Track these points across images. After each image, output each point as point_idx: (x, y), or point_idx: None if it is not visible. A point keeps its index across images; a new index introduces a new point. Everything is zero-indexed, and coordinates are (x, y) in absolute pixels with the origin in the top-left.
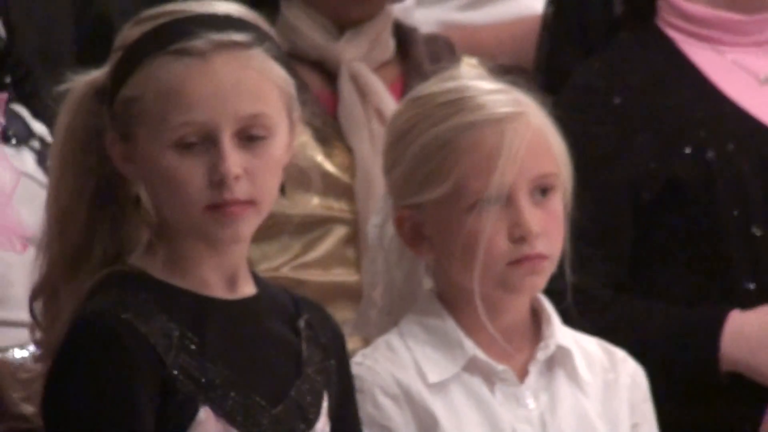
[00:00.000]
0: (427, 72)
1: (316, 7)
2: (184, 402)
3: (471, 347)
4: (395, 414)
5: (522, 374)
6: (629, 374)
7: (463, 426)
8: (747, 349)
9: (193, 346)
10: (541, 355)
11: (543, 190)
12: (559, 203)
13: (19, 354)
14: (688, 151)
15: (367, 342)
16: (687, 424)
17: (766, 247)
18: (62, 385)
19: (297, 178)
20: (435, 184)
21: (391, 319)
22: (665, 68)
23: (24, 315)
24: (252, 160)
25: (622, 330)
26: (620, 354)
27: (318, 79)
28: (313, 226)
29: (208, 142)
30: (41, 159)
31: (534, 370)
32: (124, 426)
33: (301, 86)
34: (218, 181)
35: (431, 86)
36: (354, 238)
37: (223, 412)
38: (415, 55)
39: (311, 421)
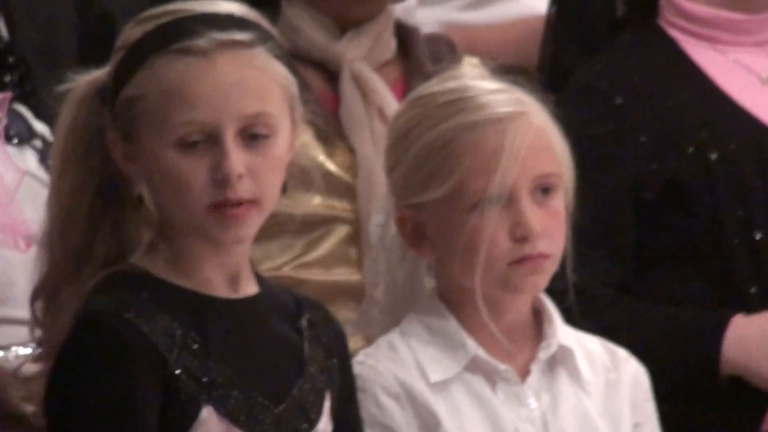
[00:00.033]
0: (429, 72)
1: (317, 7)
2: (186, 401)
3: (473, 347)
4: (397, 413)
5: (524, 374)
6: (631, 373)
7: (465, 425)
8: (748, 353)
9: (195, 346)
10: (543, 354)
11: (544, 189)
12: (561, 203)
13: (21, 352)
14: (689, 151)
15: (368, 341)
16: (687, 425)
17: None
18: (65, 384)
19: (299, 177)
20: (436, 183)
21: (392, 318)
22: (667, 68)
23: (26, 313)
24: (255, 159)
25: (624, 330)
26: (622, 353)
27: (319, 78)
28: (314, 225)
29: (210, 141)
30: (43, 158)
31: (536, 369)
32: (127, 426)
33: (303, 86)
34: (221, 179)
35: (433, 86)
36: (356, 237)
37: (225, 412)
38: (416, 55)
39: (313, 421)
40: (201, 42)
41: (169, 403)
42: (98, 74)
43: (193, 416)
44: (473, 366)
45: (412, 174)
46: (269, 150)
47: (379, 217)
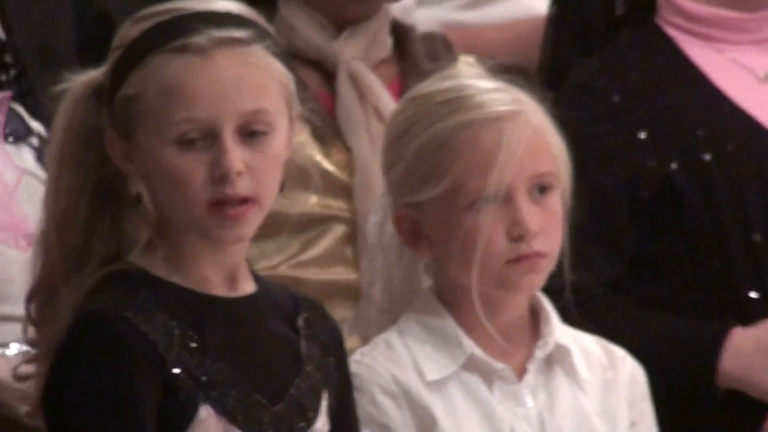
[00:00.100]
0: (425, 70)
1: (313, 6)
2: (185, 400)
3: (470, 345)
4: (394, 412)
5: (521, 372)
6: (628, 372)
7: (462, 424)
8: (745, 367)
9: (193, 344)
10: (540, 353)
11: (541, 188)
12: (558, 202)
13: (21, 349)
14: (686, 150)
15: (365, 340)
16: (685, 428)
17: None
18: (63, 384)
19: (295, 176)
20: (433, 182)
21: (389, 317)
22: (665, 67)
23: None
24: (253, 156)
25: (624, 336)
26: (619, 352)
27: (316, 78)
28: (311, 224)
29: (209, 138)
30: (40, 156)
31: (532, 368)
32: (126, 425)
33: (300, 84)
34: (220, 176)
35: (430, 85)
36: (352, 236)
37: (223, 411)
38: (412, 54)
39: (311, 419)
40: (199, 39)
41: (167, 402)
42: (95, 74)
43: (191, 415)
44: (470, 365)
45: (409, 173)
46: (267, 147)
47: (377, 216)
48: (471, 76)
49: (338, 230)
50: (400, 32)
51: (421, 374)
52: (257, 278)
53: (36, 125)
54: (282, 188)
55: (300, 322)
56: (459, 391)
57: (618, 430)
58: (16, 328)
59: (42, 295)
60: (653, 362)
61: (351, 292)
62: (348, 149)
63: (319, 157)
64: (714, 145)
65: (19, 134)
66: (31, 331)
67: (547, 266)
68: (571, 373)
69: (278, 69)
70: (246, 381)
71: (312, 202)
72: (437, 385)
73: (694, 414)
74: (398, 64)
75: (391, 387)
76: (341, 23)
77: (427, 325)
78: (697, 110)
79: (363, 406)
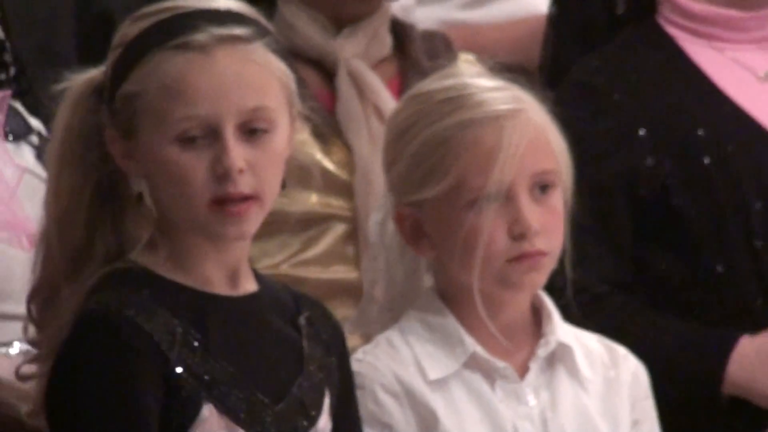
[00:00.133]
0: (425, 68)
1: (313, 5)
2: (187, 399)
3: (471, 344)
4: (396, 411)
5: (522, 371)
6: (630, 371)
7: (464, 423)
8: (751, 375)
9: (196, 343)
10: (542, 351)
11: (543, 186)
12: (559, 200)
13: (23, 348)
14: (685, 151)
15: (367, 339)
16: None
17: None
18: (66, 383)
19: (296, 175)
20: (435, 181)
21: (391, 316)
22: (665, 66)
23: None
24: (255, 154)
25: (629, 337)
26: (621, 351)
27: (316, 76)
28: (312, 223)
29: (210, 136)
30: (40, 154)
31: (534, 366)
32: (129, 424)
33: (300, 83)
34: (222, 174)
35: (431, 83)
36: (353, 235)
37: (226, 410)
38: (412, 52)
39: (313, 418)
40: (199, 37)
41: (169, 401)
42: (95, 73)
43: (193, 414)
44: (472, 363)
45: (410, 171)
46: (269, 144)
47: (378, 214)
48: (472, 75)
49: (339, 229)
50: (400, 30)
51: (423, 373)
52: (259, 277)
53: (36, 123)
54: (283, 186)
55: (302, 321)
56: (461, 389)
57: (620, 429)
58: (19, 327)
59: (43, 295)
60: (659, 366)
61: (352, 291)
62: (348, 148)
63: (319, 155)
64: (713, 146)
65: (19, 132)
66: (32, 331)
67: (548, 265)
68: (574, 372)
69: (279, 66)
70: (248, 380)
71: (312, 200)
72: (439, 384)
73: (696, 418)
74: (398, 63)
75: (393, 386)
76: (341, 22)
77: (428, 324)
78: (697, 110)
79: (365, 405)
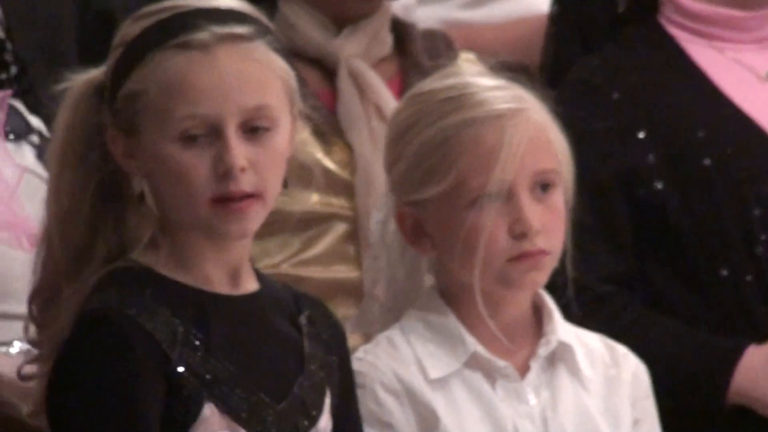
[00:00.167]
0: (426, 68)
1: (314, 4)
2: (188, 399)
3: (472, 343)
4: (396, 410)
5: (523, 370)
6: (631, 370)
7: (464, 422)
8: (755, 384)
9: (197, 342)
10: (543, 351)
11: (544, 186)
12: (560, 199)
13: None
14: (685, 152)
15: (367, 338)
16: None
17: None
18: (67, 382)
19: (297, 174)
20: (436, 180)
21: (393, 315)
22: (665, 66)
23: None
24: (257, 152)
25: (634, 340)
26: (622, 350)
27: (316, 76)
28: (312, 223)
29: (212, 134)
30: (40, 153)
31: (535, 366)
32: (130, 423)
33: (300, 82)
34: (224, 173)
35: (432, 83)
36: (354, 234)
37: (227, 409)
38: (413, 51)
39: (314, 418)
40: (201, 36)
41: (171, 401)
42: (95, 73)
43: (195, 413)
44: (473, 362)
45: (411, 171)
46: (270, 143)
47: (380, 214)
48: (473, 74)
49: (340, 228)
50: (401, 30)
51: (423, 372)
52: (260, 276)
53: (36, 122)
54: (285, 185)
55: (302, 320)
56: (461, 388)
57: (621, 428)
58: (20, 327)
59: (45, 295)
60: (663, 372)
61: (352, 290)
62: (349, 147)
63: (320, 155)
64: (714, 148)
65: (20, 132)
66: (33, 331)
67: (549, 264)
68: (574, 371)
69: (280, 65)
70: (249, 379)
71: (313, 200)
72: (440, 383)
73: (699, 424)
74: (399, 62)
75: (393, 384)
76: (342, 21)
77: (429, 323)
78: (698, 111)
79: (366, 404)
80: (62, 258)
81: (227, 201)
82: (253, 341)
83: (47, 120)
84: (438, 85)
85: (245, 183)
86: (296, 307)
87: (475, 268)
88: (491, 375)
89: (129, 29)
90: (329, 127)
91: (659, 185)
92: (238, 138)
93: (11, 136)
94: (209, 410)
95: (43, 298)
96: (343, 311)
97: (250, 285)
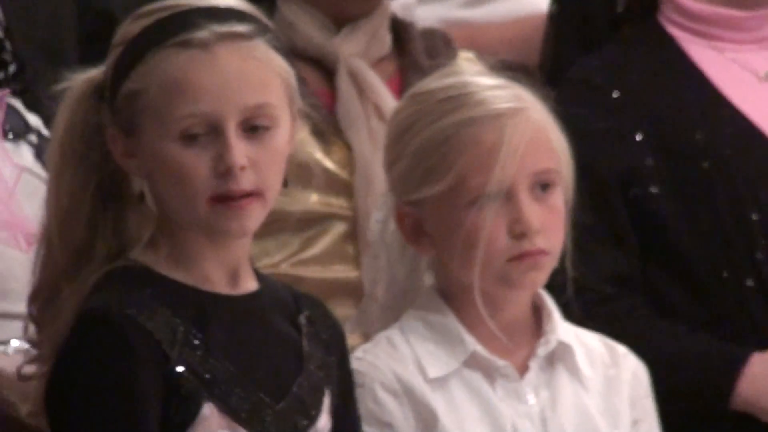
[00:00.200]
0: (425, 67)
1: (313, 4)
2: (188, 398)
3: (472, 343)
4: (395, 409)
5: (523, 370)
6: (630, 370)
7: (463, 421)
8: (759, 391)
9: (197, 342)
10: (542, 350)
11: (543, 185)
12: (560, 199)
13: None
14: (683, 153)
15: (367, 338)
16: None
17: None
18: (67, 381)
19: (296, 174)
20: (435, 180)
21: (392, 314)
22: (665, 66)
23: (25, 307)
24: (257, 151)
25: (636, 345)
26: (621, 349)
27: (315, 75)
28: (312, 222)
29: (212, 133)
30: (39, 152)
31: (535, 365)
32: (129, 422)
33: (300, 81)
34: (224, 171)
35: (432, 82)
36: (353, 234)
37: (227, 409)
38: (412, 51)
39: (313, 418)
40: (201, 34)
41: (170, 400)
42: (94, 72)
43: (194, 413)
44: (472, 362)
45: (411, 170)
46: (270, 141)
47: (380, 213)
48: (472, 73)
49: (339, 228)
50: (400, 29)
51: (423, 371)
52: (259, 276)
53: (34, 121)
54: (285, 185)
55: (302, 320)
56: (461, 388)
57: (620, 428)
58: (17, 326)
59: (44, 295)
60: (666, 377)
61: (352, 290)
62: (348, 147)
63: (319, 154)
64: (712, 149)
65: (18, 131)
66: (32, 331)
67: (549, 263)
68: (574, 371)
69: (280, 63)
70: (249, 379)
71: (313, 200)
72: (439, 383)
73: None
74: (398, 61)
75: (392, 384)
76: (341, 20)
77: (429, 323)
78: (696, 112)
79: (365, 404)
80: (62, 258)
81: (227, 200)
82: (253, 341)
83: (46, 119)
84: (438, 84)
85: (245, 182)
86: (296, 307)
87: (474, 268)
88: (490, 374)
89: (129, 28)
90: (328, 127)
91: (654, 189)
92: (238, 137)
93: (10, 136)
94: (209, 410)
95: (43, 298)
96: (342, 311)
97: (249, 285)
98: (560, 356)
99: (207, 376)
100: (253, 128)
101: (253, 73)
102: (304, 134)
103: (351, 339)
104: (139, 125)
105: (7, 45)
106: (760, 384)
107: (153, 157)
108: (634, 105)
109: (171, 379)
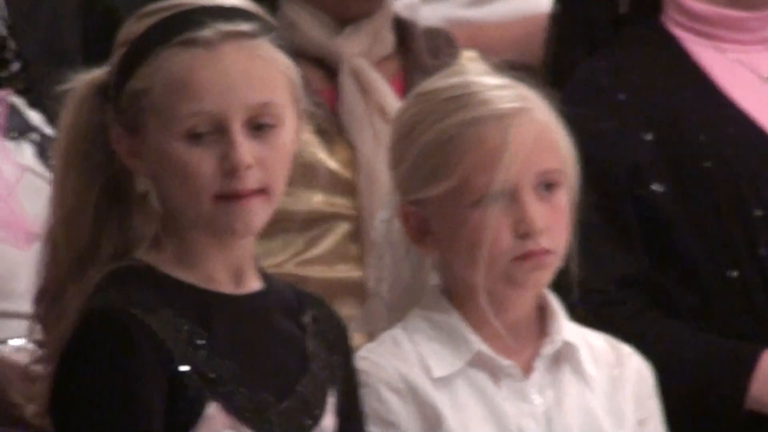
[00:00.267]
0: (428, 66)
1: (315, 3)
2: (192, 398)
3: (476, 342)
4: (400, 409)
5: (527, 370)
6: (635, 369)
7: (468, 421)
8: None
9: (201, 341)
10: (547, 350)
11: (548, 185)
12: (564, 198)
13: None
14: (686, 153)
15: (371, 338)
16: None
17: None
18: (71, 380)
19: (300, 174)
20: (440, 179)
21: (397, 314)
22: (668, 67)
23: (27, 306)
24: (262, 149)
25: (645, 348)
26: (626, 349)
27: (318, 75)
28: (316, 222)
29: (218, 132)
30: (40, 151)
31: (540, 365)
32: (134, 422)
33: (303, 80)
34: (230, 170)
35: (436, 82)
36: (357, 234)
37: (232, 408)
38: (414, 50)
39: (317, 417)
40: (206, 33)
41: (174, 399)
42: (98, 72)
43: (198, 412)
44: (477, 361)
45: (415, 170)
46: (276, 140)
47: (384, 213)
48: (477, 73)
49: (343, 228)
50: (403, 28)
51: (427, 371)
52: (264, 275)
53: (35, 117)
54: (289, 182)
55: (306, 319)
56: (465, 387)
57: (625, 428)
58: (18, 325)
59: (50, 295)
60: (678, 379)
61: (356, 290)
62: (352, 147)
63: (323, 154)
64: (715, 149)
65: (20, 130)
66: (38, 331)
67: (553, 263)
68: (579, 371)
69: (284, 62)
70: (254, 378)
71: (316, 199)
72: (444, 382)
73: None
74: (401, 61)
75: (397, 383)
76: (343, 20)
77: (433, 322)
78: (699, 113)
79: (369, 403)
80: (67, 258)
81: (232, 197)
82: (257, 340)
83: (49, 117)
84: (442, 84)
85: (252, 180)
86: (300, 307)
87: (479, 267)
88: (495, 374)
89: (133, 27)
90: (332, 127)
91: (656, 187)
92: (243, 135)
93: (12, 134)
94: (213, 409)
95: (48, 298)
96: (346, 311)
97: (253, 284)
98: (565, 356)
99: (211, 375)
100: (258, 127)
101: (257, 71)
102: (308, 134)
103: (355, 338)
104: (144, 124)
105: (10, 44)
106: None
107: (158, 156)
108: (639, 106)
109: (175, 379)
